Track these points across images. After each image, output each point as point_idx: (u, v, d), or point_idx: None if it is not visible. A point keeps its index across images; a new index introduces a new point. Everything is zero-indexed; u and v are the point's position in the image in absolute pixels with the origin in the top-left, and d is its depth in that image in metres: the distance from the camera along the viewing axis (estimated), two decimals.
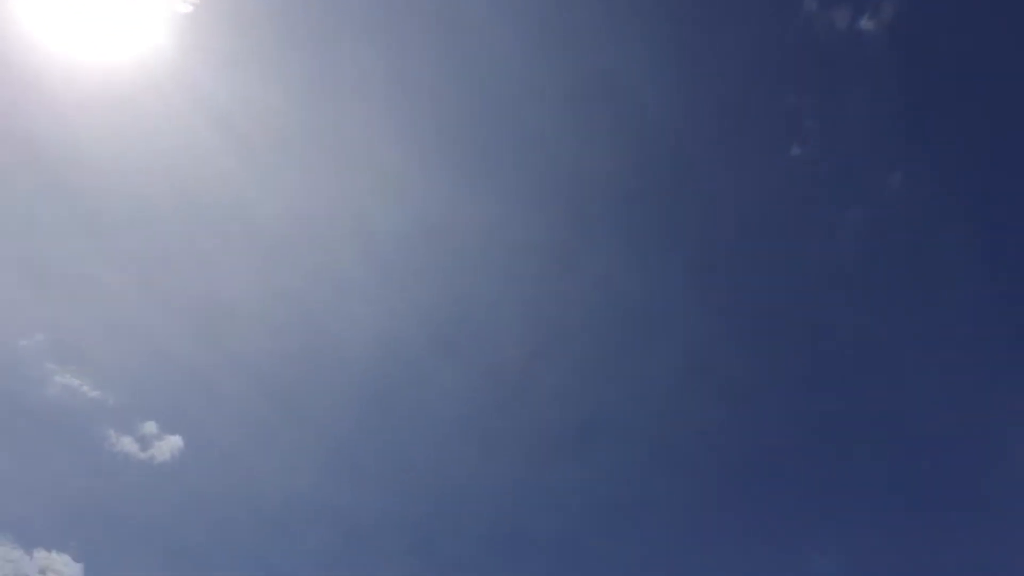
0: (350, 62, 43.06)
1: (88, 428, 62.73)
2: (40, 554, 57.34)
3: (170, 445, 62.27)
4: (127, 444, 62.89)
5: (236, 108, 45.65)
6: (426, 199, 51.52)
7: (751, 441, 55.62)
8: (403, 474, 62.35)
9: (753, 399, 55.12)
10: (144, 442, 60.78)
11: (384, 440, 62.78)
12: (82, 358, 56.59)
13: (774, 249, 47.54)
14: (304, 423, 62.73)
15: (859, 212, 43.95)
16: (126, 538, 60.06)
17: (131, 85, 42.74)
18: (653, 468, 58.72)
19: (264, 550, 64.10)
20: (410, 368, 58.98)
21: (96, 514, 59.93)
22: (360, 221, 57.76)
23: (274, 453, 63.32)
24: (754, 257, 48.29)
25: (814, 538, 55.41)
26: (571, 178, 50.38)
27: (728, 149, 44.69)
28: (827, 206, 46.22)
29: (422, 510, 62.05)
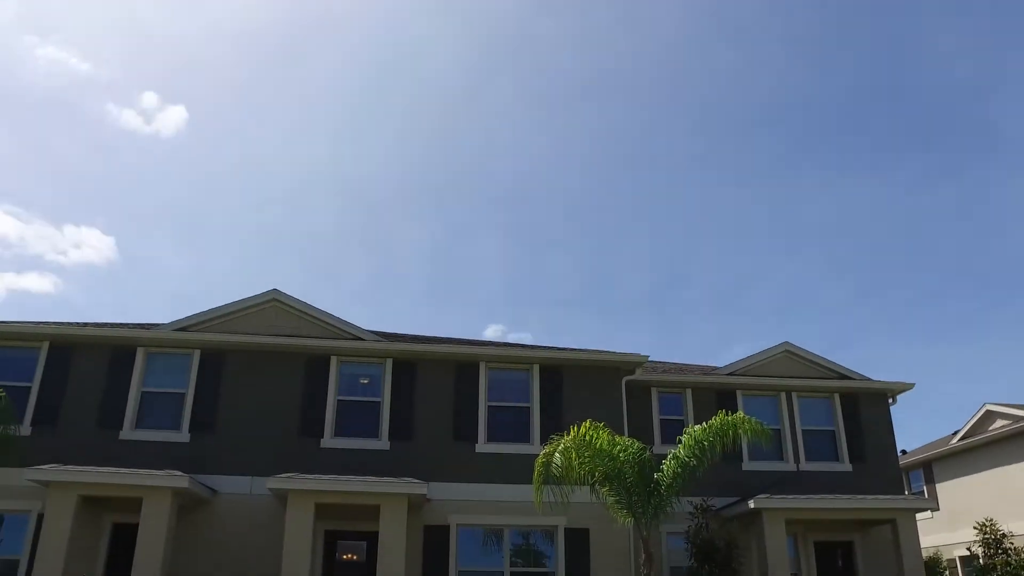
0: None
1: (86, 104, 62.99)
2: (70, 229, 60.25)
3: (174, 117, 62.60)
4: (130, 119, 63.15)
5: None
6: None
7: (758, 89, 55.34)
8: (410, 142, 63.87)
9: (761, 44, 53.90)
10: (147, 115, 61.00)
11: (389, 108, 63.54)
12: (63, 28, 55.08)
13: None
14: (308, 92, 63.11)
15: None
16: (147, 212, 62.70)
17: None
18: (661, 122, 59.65)
19: (277, 217, 67.19)
20: (410, 33, 57.94)
21: (114, 190, 62.08)
22: None
23: (280, 122, 64.26)
24: None
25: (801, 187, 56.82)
26: None
27: None
28: None
29: (430, 177, 64.36)
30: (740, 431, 12.64)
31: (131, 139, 66.34)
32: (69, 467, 13.72)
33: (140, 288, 68.25)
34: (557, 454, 12.44)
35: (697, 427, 12.90)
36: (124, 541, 14.38)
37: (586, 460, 12.47)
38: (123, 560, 14.10)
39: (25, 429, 15.01)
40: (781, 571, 15.50)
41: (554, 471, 12.38)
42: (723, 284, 69.78)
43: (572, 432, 12.57)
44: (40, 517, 13.86)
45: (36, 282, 62.55)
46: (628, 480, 12.59)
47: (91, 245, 62.96)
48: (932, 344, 62.73)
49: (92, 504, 14.16)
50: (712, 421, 12.76)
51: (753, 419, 12.76)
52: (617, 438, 12.78)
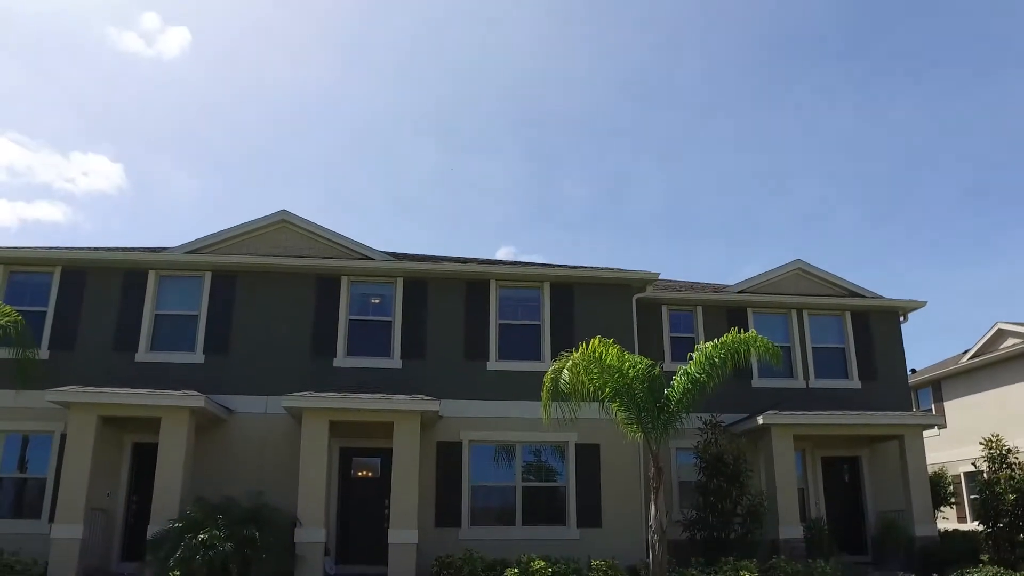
0: None
1: (86, 27, 61.97)
2: (77, 157, 60.60)
3: (177, 39, 61.57)
4: (131, 41, 62.45)
5: None
6: None
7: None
8: (419, 63, 63.11)
9: None
10: (148, 38, 60.13)
11: (396, 28, 62.53)
12: None
13: None
14: (313, 9, 62.04)
15: None
16: (154, 137, 62.67)
17: None
18: (674, 42, 58.78)
19: (285, 139, 67.12)
20: None
21: (119, 116, 61.94)
22: None
23: (285, 42, 63.38)
24: None
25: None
26: None
27: None
28: None
29: (440, 98, 63.94)
30: (752, 349, 12.67)
31: (133, 62, 65.37)
32: (88, 388, 13.94)
33: (151, 215, 68.30)
34: (565, 371, 12.53)
35: (708, 344, 12.94)
36: (145, 460, 14.76)
37: (595, 376, 12.56)
38: (145, 479, 14.51)
39: (43, 353, 15.23)
40: (788, 485, 15.79)
41: (562, 387, 12.49)
42: (735, 206, 69.18)
43: (581, 348, 12.63)
44: (63, 438, 14.17)
45: (46, 210, 62.65)
46: (638, 396, 12.70)
47: (99, 172, 62.76)
48: (946, 265, 62.41)
49: (112, 424, 14.46)
50: (724, 338, 12.78)
51: (765, 338, 12.77)
52: (627, 355, 12.84)
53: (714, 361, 12.62)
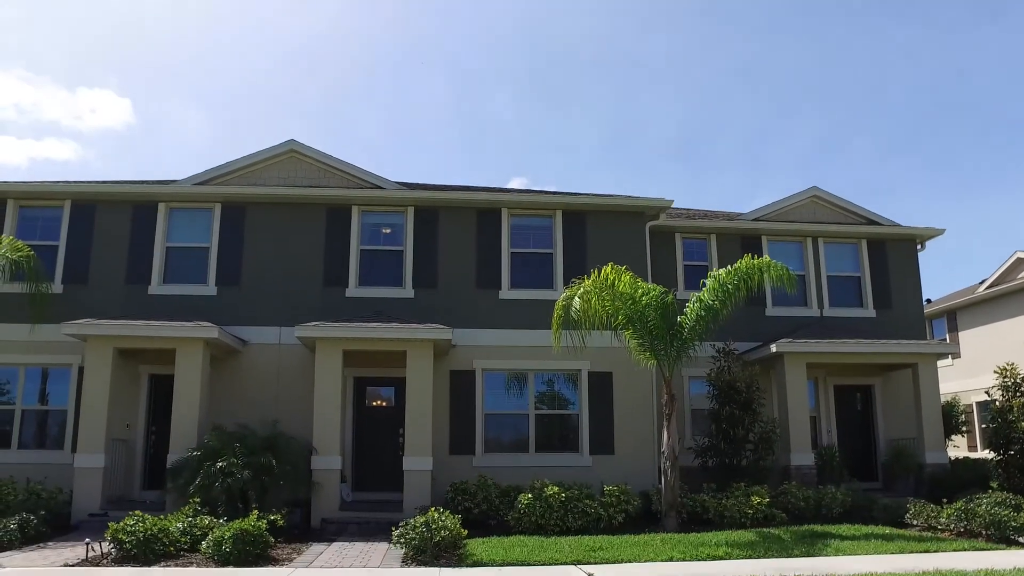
0: None
1: None
2: (83, 92, 60.51)
3: None
4: None
5: None
6: None
7: None
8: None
9: None
10: None
11: None
12: None
13: None
14: None
15: None
16: (159, 71, 62.17)
17: None
18: None
19: (291, 72, 66.15)
20: None
21: (123, 49, 61.39)
22: None
23: None
24: None
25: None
26: None
27: None
28: None
29: (444, 26, 62.78)
30: (766, 275, 12.56)
31: None
32: (104, 320, 14.02)
33: (160, 151, 67.99)
34: (577, 298, 12.49)
35: (722, 270, 12.83)
36: (162, 392, 14.96)
37: (607, 303, 12.53)
38: (162, 409, 14.72)
39: (57, 287, 15.30)
40: (800, 413, 15.83)
41: (573, 315, 12.46)
42: (752, 135, 68.09)
43: (593, 276, 12.55)
44: (81, 371, 14.34)
45: (55, 148, 62.47)
46: (650, 323, 12.68)
47: (106, 108, 62.27)
48: (965, 195, 61.49)
49: (128, 356, 14.61)
50: (738, 264, 12.67)
51: (779, 263, 12.64)
52: (639, 282, 12.77)
53: (727, 288, 12.54)
